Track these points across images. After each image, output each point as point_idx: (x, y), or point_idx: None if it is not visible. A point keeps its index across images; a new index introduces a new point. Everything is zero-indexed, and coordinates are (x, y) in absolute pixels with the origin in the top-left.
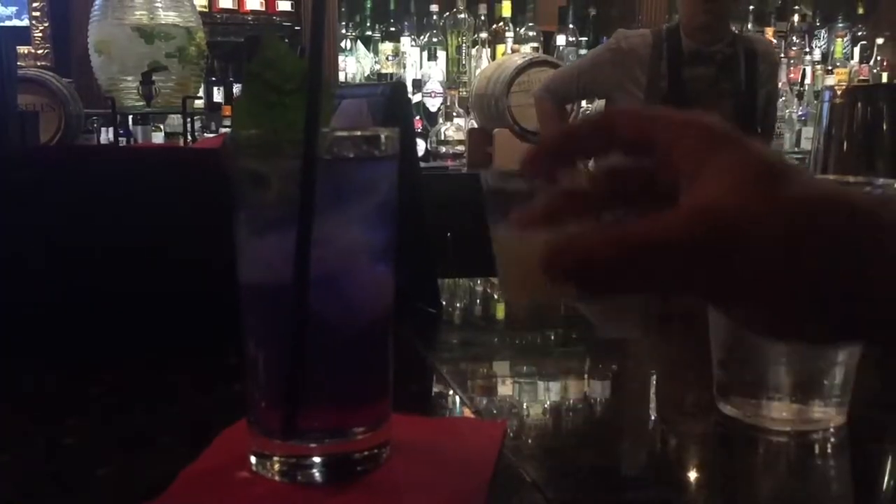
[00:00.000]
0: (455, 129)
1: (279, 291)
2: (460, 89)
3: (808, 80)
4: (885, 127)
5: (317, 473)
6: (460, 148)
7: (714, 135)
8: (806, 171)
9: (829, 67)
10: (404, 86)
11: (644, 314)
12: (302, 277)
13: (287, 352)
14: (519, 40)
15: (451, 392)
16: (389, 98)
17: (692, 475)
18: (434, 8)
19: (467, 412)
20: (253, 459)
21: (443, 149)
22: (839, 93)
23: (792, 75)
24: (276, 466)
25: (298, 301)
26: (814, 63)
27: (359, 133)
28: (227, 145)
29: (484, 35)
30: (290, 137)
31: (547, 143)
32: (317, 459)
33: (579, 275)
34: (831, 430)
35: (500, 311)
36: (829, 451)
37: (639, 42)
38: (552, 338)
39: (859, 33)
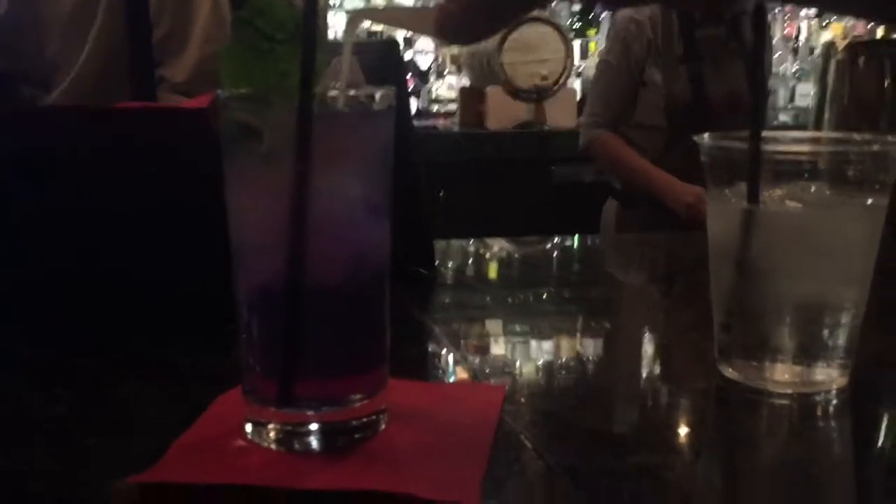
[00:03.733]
0: (447, 88)
1: (272, 252)
2: (452, 46)
3: (802, 36)
4: (887, 83)
5: (314, 441)
6: (452, 106)
7: None
8: None
9: (825, 22)
10: (397, 44)
11: None
12: (297, 236)
13: (282, 316)
14: None
15: (447, 355)
16: (382, 56)
17: (694, 439)
18: None
19: (465, 376)
20: (248, 427)
21: (434, 107)
22: (840, 49)
23: (787, 30)
24: (272, 434)
25: (293, 260)
26: (809, 18)
27: (353, 92)
28: (216, 98)
29: None
30: (282, 88)
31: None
32: (313, 427)
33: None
34: (834, 391)
35: (494, 272)
36: (831, 412)
37: (647, 12)
38: (546, 297)
39: None
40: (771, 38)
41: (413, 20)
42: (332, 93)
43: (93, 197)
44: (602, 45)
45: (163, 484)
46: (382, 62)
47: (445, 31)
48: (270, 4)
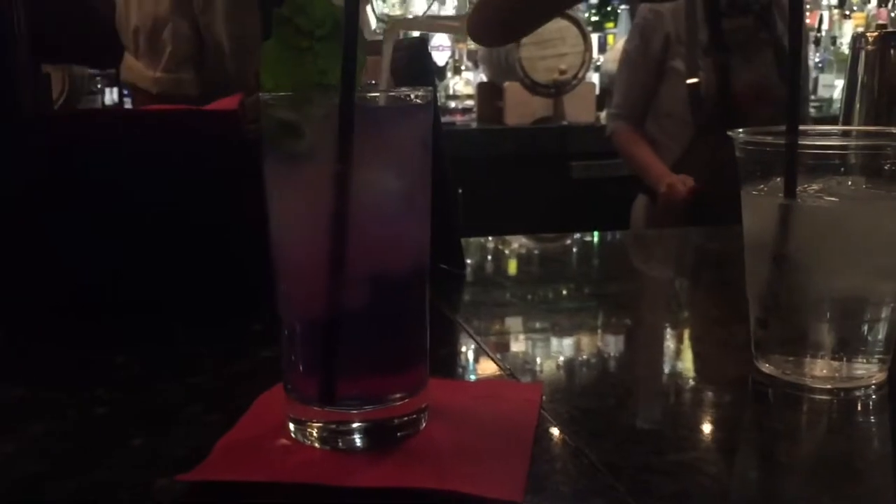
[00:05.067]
0: (464, 84)
1: (314, 249)
2: (469, 42)
3: (825, 26)
4: None
5: (357, 439)
6: (469, 102)
7: None
8: None
9: (847, 12)
10: (426, 43)
11: None
12: (339, 232)
13: (323, 313)
14: None
15: (482, 354)
16: (411, 55)
17: (733, 435)
18: None
19: (500, 374)
20: (291, 426)
21: (452, 104)
22: (870, 39)
23: (808, 20)
24: (316, 433)
25: (335, 257)
26: (831, 7)
27: (393, 89)
28: (243, 99)
29: None
30: (322, 85)
31: None
32: (356, 425)
33: None
34: (873, 386)
35: (520, 271)
36: (871, 407)
37: (669, 3)
38: (574, 294)
39: None
40: (807, 30)
41: (447, 27)
42: (373, 90)
43: (128, 196)
44: (621, 38)
45: (209, 482)
46: (411, 61)
47: (479, 35)
48: (310, 2)
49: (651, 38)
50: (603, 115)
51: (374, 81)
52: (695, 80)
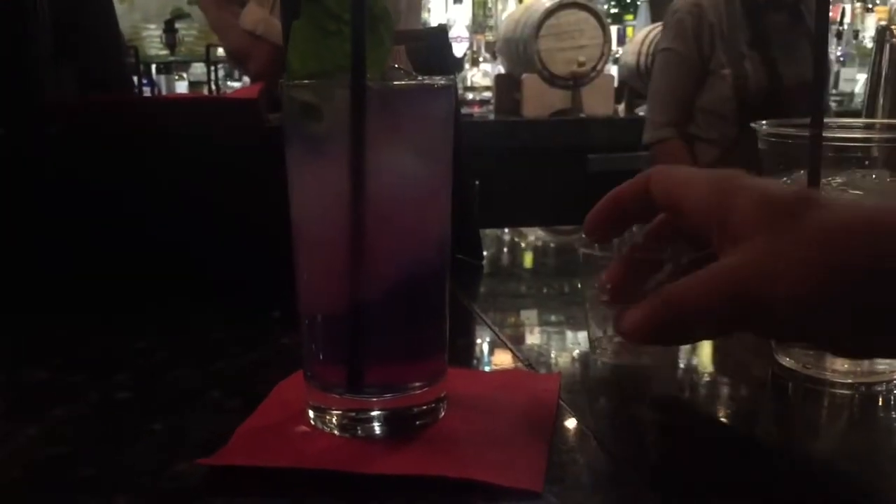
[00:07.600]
0: (482, 75)
1: (336, 235)
2: (487, 33)
3: (847, 19)
4: None
5: (376, 427)
6: (487, 94)
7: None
8: (823, 198)
9: (870, 6)
10: (447, 31)
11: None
12: (359, 216)
13: (345, 299)
14: None
15: (499, 345)
16: (431, 45)
17: (752, 429)
18: None
19: (518, 364)
20: (311, 413)
21: (469, 95)
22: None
23: (831, 14)
24: (335, 420)
25: (355, 243)
26: (853, 1)
27: (416, 76)
28: (263, 89)
29: None
30: (347, 69)
31: (599, 212)
32: (375, 413)
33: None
34: (895, 381)
35: (536, 262)
36: (892, 402)
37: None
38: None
39: None
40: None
41: None
42: (395, 75)
43: (147, 184)
44: (640, 30)
45: (229, 467)
46: (431, 50)
47: None
48: None
49: (698, 34)
50: (621, 107)
51: (396, 65)
52: (743, 76)
